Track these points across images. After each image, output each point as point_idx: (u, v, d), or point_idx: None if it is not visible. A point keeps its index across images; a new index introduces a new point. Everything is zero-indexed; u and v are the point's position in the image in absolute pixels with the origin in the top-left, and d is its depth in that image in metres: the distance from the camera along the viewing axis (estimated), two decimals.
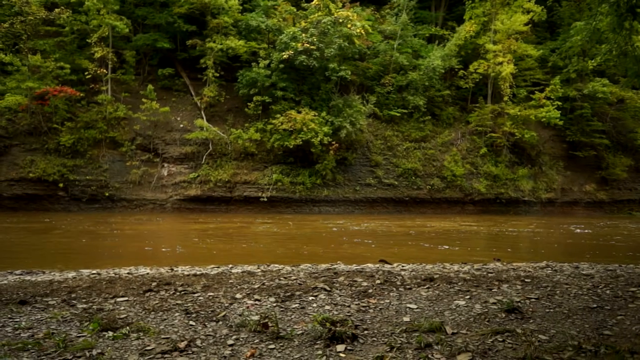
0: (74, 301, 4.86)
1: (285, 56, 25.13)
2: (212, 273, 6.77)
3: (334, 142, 25.13)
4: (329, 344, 3.53)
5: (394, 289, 5.56)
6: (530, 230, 19.29)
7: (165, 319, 4.22)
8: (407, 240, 15.18)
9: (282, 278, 6.20)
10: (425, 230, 18.24)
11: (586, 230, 19.17)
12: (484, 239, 16.91)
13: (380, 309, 4.63)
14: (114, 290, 5.40)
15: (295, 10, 29.11)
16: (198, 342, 3.61)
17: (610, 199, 31.32)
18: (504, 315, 4.36)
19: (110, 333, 3.76)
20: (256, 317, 4.15)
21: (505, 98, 29.42)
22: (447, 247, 13.61)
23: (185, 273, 6.80)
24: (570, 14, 31.59)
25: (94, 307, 4.64)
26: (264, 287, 5.60)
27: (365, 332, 3.87)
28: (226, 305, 4.72)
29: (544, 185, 29.79)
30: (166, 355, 3.33)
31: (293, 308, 4.64)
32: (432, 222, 21.42)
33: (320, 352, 3.40)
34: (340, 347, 3.47)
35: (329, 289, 5.47)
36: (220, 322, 4.12)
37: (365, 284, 5.80)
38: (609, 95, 30.26)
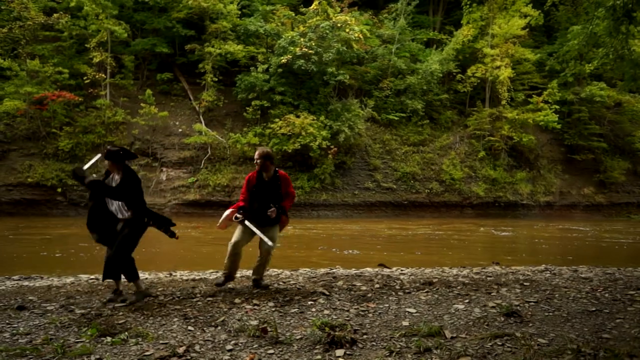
0: (72, 306, 4.85)
1: (283, 60, 25.19)
2: (210, 278, 6.76)
3: (332, 146, 25.16)
4: (328, 348, 3.52)
5: (393, 293, 5.55)
6: (431, 232, 19.53)
7: (163, 324, 4.21)
8: (319, 244, 15.00)
9: (280, 282, 6.19)
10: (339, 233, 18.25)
11: (504, 233, 19.65)
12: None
13: (380, 313, 4.62)
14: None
15: (293, 14, 29.22)
16: (197, 347, 3.60)
17: (609, 202, 31.38)
18: (503, 319, 4.36)
19: (109, 338, 3.74)
20: (255, 322, 4.14)
21: (503, 102, 29.52)
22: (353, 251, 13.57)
23: (184, 278, 6.78)
24: (567, 18, 31.54)
25: (92, 312, 4.62)
26: (263, 291, 5.59)
27: (365, 336, 3.86)
28: (225, 310, 4.71)
29: (542, 188, 29.84)
30: None
31: (292, 313, 4.63)
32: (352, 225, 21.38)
33: (319, 357, 3.39)
34: (339, 352, 3.46)
35: (328, 293, 5.46)
36: (219, 327, 4.10)
37: (364, 288, 5.79)
38: (607, 99, 30.41)
